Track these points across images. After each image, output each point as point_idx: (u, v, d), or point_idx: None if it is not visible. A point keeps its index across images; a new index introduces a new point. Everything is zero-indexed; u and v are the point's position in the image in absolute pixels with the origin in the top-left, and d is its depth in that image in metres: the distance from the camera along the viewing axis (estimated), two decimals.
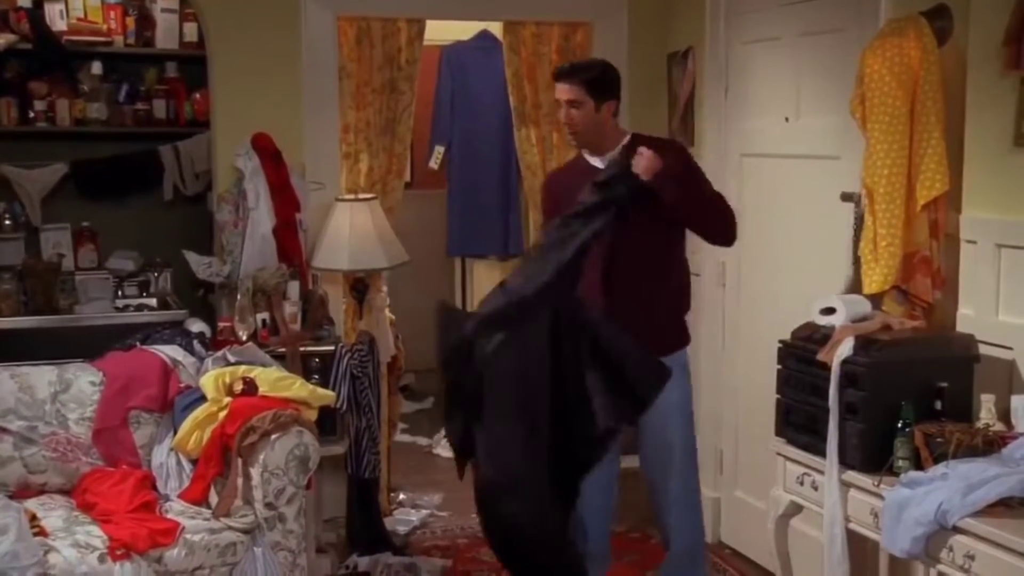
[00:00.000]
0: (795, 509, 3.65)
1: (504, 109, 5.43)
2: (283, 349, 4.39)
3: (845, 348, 3.34)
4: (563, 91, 3.62)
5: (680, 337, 3.78)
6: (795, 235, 4.29)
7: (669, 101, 5.16)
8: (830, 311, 3.59)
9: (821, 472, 3.41)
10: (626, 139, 3.67)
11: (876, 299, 3.58)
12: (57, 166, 5.40)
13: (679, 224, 3.64)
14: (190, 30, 5.40)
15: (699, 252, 4.95)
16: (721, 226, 3.67)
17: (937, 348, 3.38)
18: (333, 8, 4.82)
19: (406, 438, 6.40)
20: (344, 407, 4.38)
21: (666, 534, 3.83)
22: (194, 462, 3.89)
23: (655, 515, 3.87)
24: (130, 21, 5.36)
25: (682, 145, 3.86)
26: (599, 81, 3.60)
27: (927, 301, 3.49)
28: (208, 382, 4.01)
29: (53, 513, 3.68)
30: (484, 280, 6.57)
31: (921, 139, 3.42)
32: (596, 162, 3.66)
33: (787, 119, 4.33)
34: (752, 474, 4.61)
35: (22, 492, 3.83)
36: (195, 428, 3.89)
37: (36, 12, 5.15)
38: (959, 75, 3.43)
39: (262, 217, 4.63)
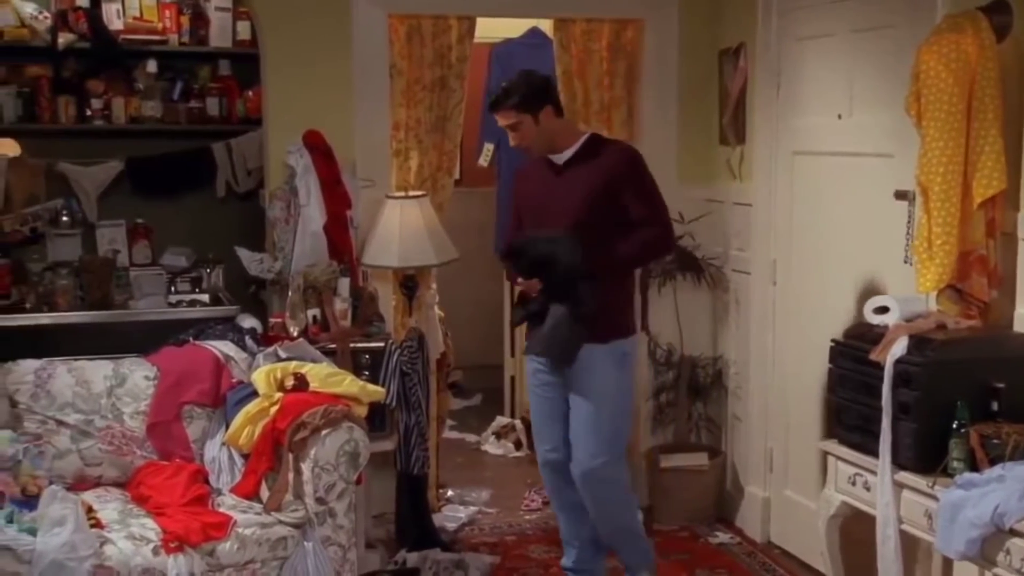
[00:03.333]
0: (846, 509, 3.62)
1: None
2: (333, 345, 4.42)
3: (899, 347, 3.31)
4: (500, 119, 4.00)
5: (611, 330, 3.94)
6: (848, 233, 4.25)
7: (720, 98, 5.13)
8: (883, 310, 3.56)
9: (873, 472, 3.38)
10: (584, 138, 4.00)
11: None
12: (113, 163, 5.47)
13: (619, 228, 3.88)
14: (243, 28, 5.44)
15: (748, 250, 4.95)
16: (649, 260, 4.28)
17: (993, 348, 3.34)
18: (384, 6, 4.85)
19: (454, 435, 6.43)
20: (393, 403, 4.40)
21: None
22: (246, 457, 3.93)
23: None
24: (184, 20, 5.40)
25: (631, 153, 4.01)
26: (525, 98, 3.92)
27: (983, 300, 3.45)
28: (259, 377, 4.04)
29: (109, 505, 3.74)
30: None
31: (978, 136, 3.37)
32: (555, 158, 3.99)
33: (840, 116, 4.29)
34: (802, 474, 4.57)
35: (79, 484, 3.89)
36: (247, 423, 3.92)
37: (94, 11, 5.21)
38: (1018, 71, 3.38)
39: (313, 214, 4.66)
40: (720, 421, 5.26)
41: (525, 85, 3.94)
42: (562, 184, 3.95)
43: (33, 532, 3.35)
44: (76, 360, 4.15)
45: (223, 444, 4.02)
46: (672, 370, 5.25)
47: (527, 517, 5.20)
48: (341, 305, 4.54)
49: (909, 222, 3.76)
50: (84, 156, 5.43)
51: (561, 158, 3.97)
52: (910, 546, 3.43)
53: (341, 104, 4.80)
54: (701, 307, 5.27)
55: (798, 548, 4.66)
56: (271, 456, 3.83)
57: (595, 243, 3.83)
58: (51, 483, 3.71)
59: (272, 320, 4.60)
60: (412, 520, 4.70)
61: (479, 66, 6.03)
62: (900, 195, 3.85)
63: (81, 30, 5.18)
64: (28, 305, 4.93)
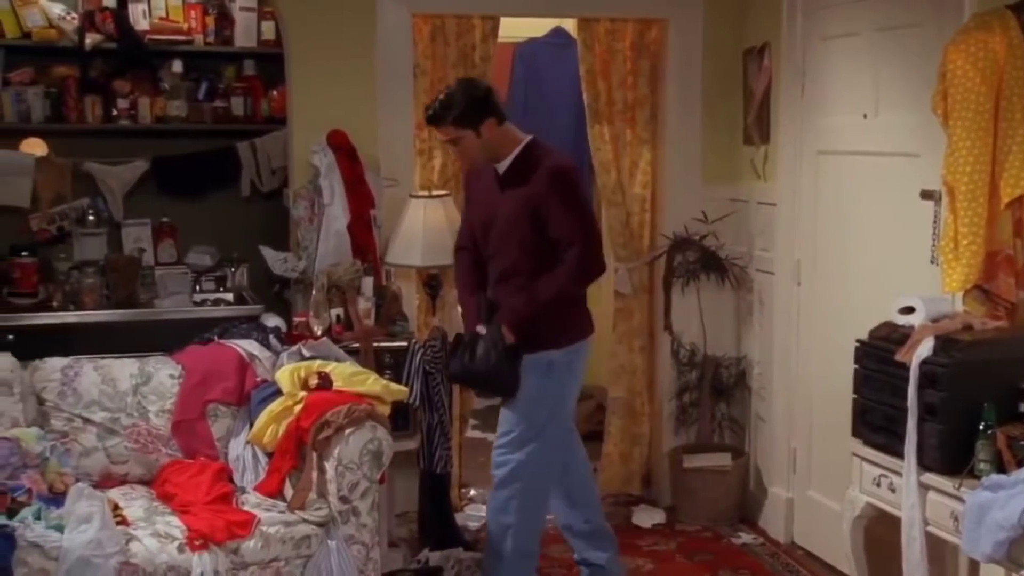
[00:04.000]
0: (871, 510, 3.60)
1: (577, 106, 5.43)
2: (357, 344, 4.43)
3: (925, 348, 3.29)
4: (440, 134, 3.89)
5: (536, 340, 3.86)
6: (873, 233, 4.23)
7: (744, 97, 5.11)
8: (909, 310, 3.54)
9: (899, 474, 3.36)
10: (520, 147, 3.85)
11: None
12: (138, 163, 5.50)
13: (549, 247, 3.80)
14: (268, 28, 5.46)
15: (772, 250, 4.93)
16: (580, 287, 3.92)
17: (1020, 348, 3.32)
18: (408, 6, 4.86)
19: (477, 434, 6.42)
20: (417, 402, 4.41)
21: None
22: (270, 455, 3.95)
23: None
24: (210, 20, 5.43)
25: (553, 171, 3.80)
26: (465, 112, 3.77)
27: (1010, 301, 3.42)
28: (284, 376, 4.06)
29: (134, 503, 3.76)
30: None
31: (1006, 136, 3.35)
32: (498, 166, 3.87)
33: (865, 116, 4.26)
34: (826, 474, 4.55)
35: (105, 482, 3.92)
36: (271, 422, 3.94)
37: (121, 12, 5.25)
38: None
39: (337, 213, 4.68)
40: (743, 421, 5.25)
41: (465, 98, 3.77)
42: (503, 203, 3.86)
43: (60, 529, 3.38)
44: (102, 358, 4.17)
45: (247, 442, 4.03)
46: (695, 370, 5.24)
47: (549, 517, 5.17)
48: (365, 304, 4.55)
49: (935, 222, 3.74)
50: (110, 156, 5.46)
51: (502, 166, 3.87)
52: (936, 548, 3.41)
53: (365, 104, 4.81)
54: (725, 307, 5.25)
55: (822, 549, 4.64)
56: (295, 455, 3.84)
57: (535, 273, 3.80)
58: (78, 481, 3.74)
59: (296, 319, 4.61)
60: (435, 519, 4.70)
61: (503, 66, 6.04)
62: (926, 195, 3.82)
63: (108, 30, 5.21)
64: (55, 303, 4.98)
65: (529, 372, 3.86)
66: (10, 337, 4.61)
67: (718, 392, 5.23)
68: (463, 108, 3.76)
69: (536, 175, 3.80)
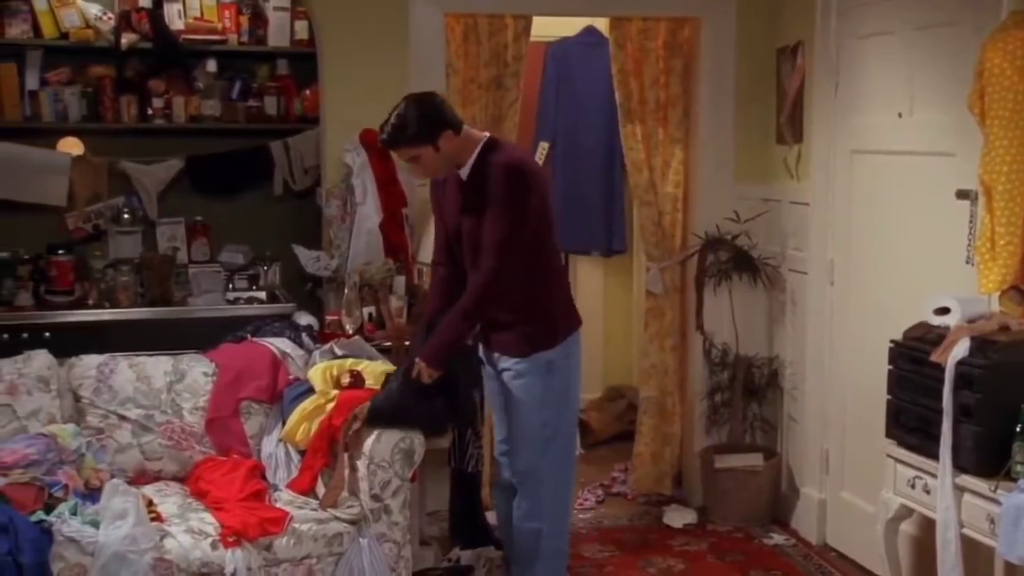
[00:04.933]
0: (905, 512, 3.58)
1: (609, 105, 5.42)
2: (389, 343, 4.45)
3: (960, 349, 3.27)
4: (398, 156, 3.79)
5: (532, 345, 3.78)
6: (907, 233, 4.20)
7: (777, 96, 5.09)
8: (944, 311, 3.52)
9: (933, 475, 3.34)
10: (478, 149, 3.70)
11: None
12: (173, 162, 5.54)
13: (527, 248, 3.69)
14: (301, 28, 5.49)
15: (805, 249, 4.91)
16: (486, 310, 3.75)
17: None
18: (441, 5, 4.87)
19: None
20: None
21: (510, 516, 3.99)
22: (302, 453, 3.97)
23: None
24: (244, 20, 5.46)
25: (500, 172, 3.63)
26: (421, 129, 3.61)
27: None
28: (316, 375, 4.08)
29: (168, 499, 3.80)
30: (587, 277, 6.55)
31: None
32: (460, 172, 3.74)
33: (900, 115, 4.23)
34: (859, 475, 4.52)
35: (139, 478, 3.96)
36: (303, 420, 3.96)
37: (156, 12, 5.29)
38: None
39: (369, 212, 4.69)
40: (775, 422, 5.22)
41: (417, 115, 3.61)
42: (467, 212, 3.72)
43: (96, 524, 3.42)
44: (137, 356, 4.21)
45: (280, 440, 4.06)
46: (727, 370, 5.22)
47: (581, 516, 5.19)
48: (396, 303, 4.57)
49: (971, 222, 3.71)
50: (145, 155, 5.52)
51: (464, 172, 3.72)
52: (971, 551, 3.38)
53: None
54: (757, 307, 5.23)
55: (855, 551, 4.61)
56: (327, 453, 3.86)
57: (515, 280, 3.67)
58: (113, 477, 3.78)
59: (328, 317, 4.64)
60: (466, 518, 4.71)
61: (534, 65, 6.04)
62: (962, 194, 3.79)
63: (143, 30, 5.26)
64: (91, 301, 5.04)
65: (531, 375, 3.80)
66: (47, 334, 4.67)
67: (750, 392, 5.21)
68: (417, 127, 3.60)
69: (489, 176, 3.65)
